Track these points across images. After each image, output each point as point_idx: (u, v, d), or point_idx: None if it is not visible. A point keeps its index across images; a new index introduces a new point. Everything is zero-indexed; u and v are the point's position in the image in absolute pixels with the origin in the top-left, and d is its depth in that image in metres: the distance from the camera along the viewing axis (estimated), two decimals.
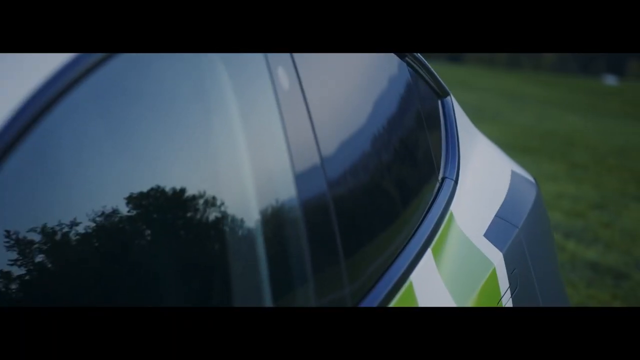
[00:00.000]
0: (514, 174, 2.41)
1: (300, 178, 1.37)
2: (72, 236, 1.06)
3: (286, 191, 1.34)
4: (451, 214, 1.92)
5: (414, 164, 1.93)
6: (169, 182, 1.20)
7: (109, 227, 1.11)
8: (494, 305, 1.85)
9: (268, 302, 1.29)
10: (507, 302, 1.90)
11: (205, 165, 1.27)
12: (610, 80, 19.07)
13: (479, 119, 11.69)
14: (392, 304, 1.52)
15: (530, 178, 2.51)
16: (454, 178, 2.05)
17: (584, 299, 4.82)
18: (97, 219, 1.10)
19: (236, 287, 1.27)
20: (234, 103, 1.32)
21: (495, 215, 2.10)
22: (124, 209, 1.13)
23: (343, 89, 1.69)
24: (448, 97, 2.28)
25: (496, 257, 1.93)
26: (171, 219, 1.21)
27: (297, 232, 1.34)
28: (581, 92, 16.28)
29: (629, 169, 8.75)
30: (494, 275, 1.88)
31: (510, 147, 9.47)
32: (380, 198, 1.70)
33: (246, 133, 1.32)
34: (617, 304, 4.76)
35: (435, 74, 2.23)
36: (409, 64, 2.07)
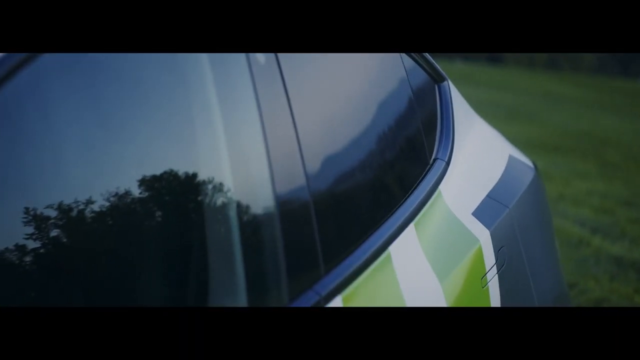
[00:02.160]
0: (511, 158, 2.46)
1: (275, 153, 1.43)
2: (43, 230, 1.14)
3: (260, 166, 1.41)
4: (439, 192, 1.98)
5: (402, 146, 1.98)
6: (143, 170, 1.28)
7: (83, 223, 1.19)
8: (477, 279, 1.90)
9: (240, 271, 1.35)
10: (492, 277, 1.95)
11: (181, 154, 1.34)
12: None
13: (513, 119, 11.73)
14: (368, 272, 1.59)
15: (529, 163, 2.55)
16: (446, 159, 2.11)
17: (607, 293, 4.84)
18: (73, 215, 1.17)
19: (211, 247, 1.34)
20: (209, 79, 1.39)
21: (487, 196, 2.15)
22: (100, 205, 1.20)
23: (324, 72, 1.75)
24: (445, 83, 2.33)
25: (483, 235, 1.98)
26: (145, 209, 1.28)
27: (270, 206, 1.40)
28: (619, 93, 16.18)
29: None
30: (479, 251, 1.94)
31: (543, 146, 9.48)
32: (360, 176, 1.75)
33: (221, 113, 1.39)
34: (638, 297, 4.77)
35: (431, 60, 2.29)
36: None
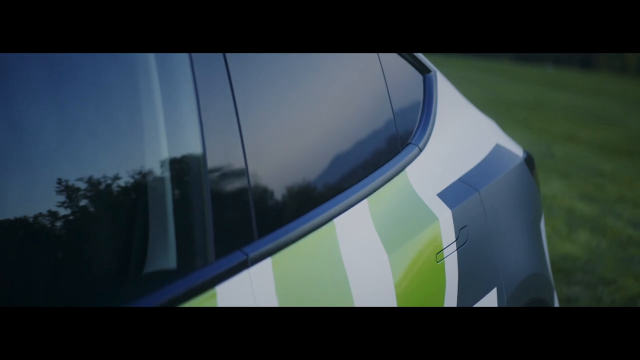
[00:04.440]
0: (497, 146, 2.59)
1: (210, 134, 1.60)
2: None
3: (195, 142, 1.58)
4: (405, 174, 2.13)
5: (367, 131, 2.12)
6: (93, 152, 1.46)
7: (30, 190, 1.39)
8: (432, 254, 2.04)
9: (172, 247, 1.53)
10: (449, 254, 2.09)
11: (127, 138, 1.52)
12: None
13: (594, 124, 11.67)
14: (307, 239, 1.74)
15: (519, 154, 2.67)
16: (420, 145, 2.25)
17: None
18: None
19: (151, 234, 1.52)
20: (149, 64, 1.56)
21: (459, 179, 2.28)
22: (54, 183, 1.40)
23: (280, 64, 1.91)
24: (431, 74, 2.47)
25: (444, 214, 2.12)
26: (95, 184, 1.46)
27: (201, 177, 1.57)
28: None
29: None
30: (436, 228, 2.07)
31: (616, 150, 9.45)
32: (308, 157, 1.90)
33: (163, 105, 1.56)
34: None
35: (415, 54, 2.43)
36: None
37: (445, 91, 2.54)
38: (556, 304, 2.66)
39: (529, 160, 2.73)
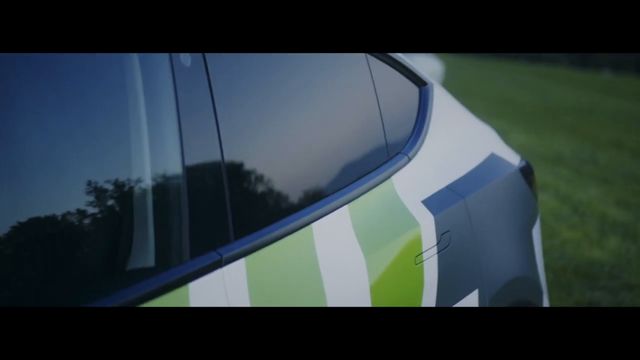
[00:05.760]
0: (492, 155, 2.71)
1: (189, 139, 1.76)
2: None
3: (173, 144, 1.74)
4: (391, 181, 2.27)
5: (354, 142, 2.26)
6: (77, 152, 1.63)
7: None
8: (411, 257, 2.17)
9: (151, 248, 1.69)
10: (429, 257, 2.22)
11: (109, 139, 1.68)
12: None
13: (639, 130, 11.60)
14: (282, 242, 1.89)
15: (515, 163, 2.79)
16: (410, 154, 2.39)
17: None
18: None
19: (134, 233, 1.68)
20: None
21: (446, 187, 2.42)
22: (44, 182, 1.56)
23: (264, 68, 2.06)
24: (426, 87, 2.60)
25: (426, 219, 2.25)
26: (81, 183, 1.63)
27: (179, 181, 1.73)
28: None
29: None
30: (417, 233, 2.21)
31: None
32: (290, 165, 2.04)
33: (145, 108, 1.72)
34: None
35: (411, 67, 2.56)
36: (379, 58, 2.42)
37: (443, 103, 2.67)
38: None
39: (525, 169, 2.84)
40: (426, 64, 16.19)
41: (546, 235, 6.10)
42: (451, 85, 16.67)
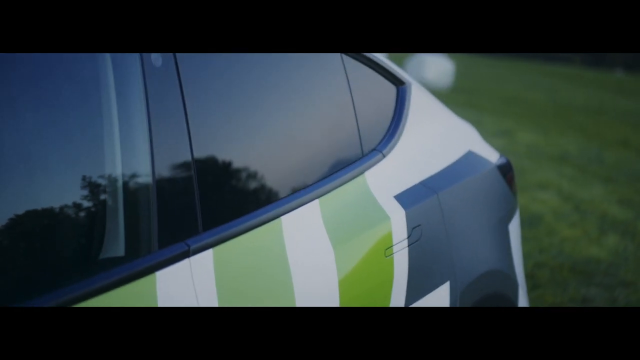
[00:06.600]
0: (469, 153, 2.79)
1: (159, 137, 1.84)
2: None
3: (143, 142, 1.82)
4: (363, 177, 2.35)
5: (327, 139, 2.34)
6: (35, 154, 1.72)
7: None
8: (380, 250, 2.25)
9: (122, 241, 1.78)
10: (399, 250, 2.30)
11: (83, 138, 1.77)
12: None
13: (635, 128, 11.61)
14: (251, 233, 1.97)
15: (493, 160, 2.86)
16: (385, 151, 2.47)
17: None
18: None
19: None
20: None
21: (420, 183, 2.50)
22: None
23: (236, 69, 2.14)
24: (404, 86, 2.68)
25: (397, 213, 2.33)
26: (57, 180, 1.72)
27: (148, 176, 1.81)
28: None
29: None
30: (387, 226, 2.29)
31: None
32: (259, 162, 2.12)
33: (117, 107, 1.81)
34: None
35: (388, 67, 2.63)
36: (355, 59, 2.50)
37: (422, 102, 2.74)
38: (522, 301, 2.85)
39: (504, 166, 2.92)
40: (436, 64, 16.26)
41: (545, 233, 6.16)
42: (460, 84, 16.74)
